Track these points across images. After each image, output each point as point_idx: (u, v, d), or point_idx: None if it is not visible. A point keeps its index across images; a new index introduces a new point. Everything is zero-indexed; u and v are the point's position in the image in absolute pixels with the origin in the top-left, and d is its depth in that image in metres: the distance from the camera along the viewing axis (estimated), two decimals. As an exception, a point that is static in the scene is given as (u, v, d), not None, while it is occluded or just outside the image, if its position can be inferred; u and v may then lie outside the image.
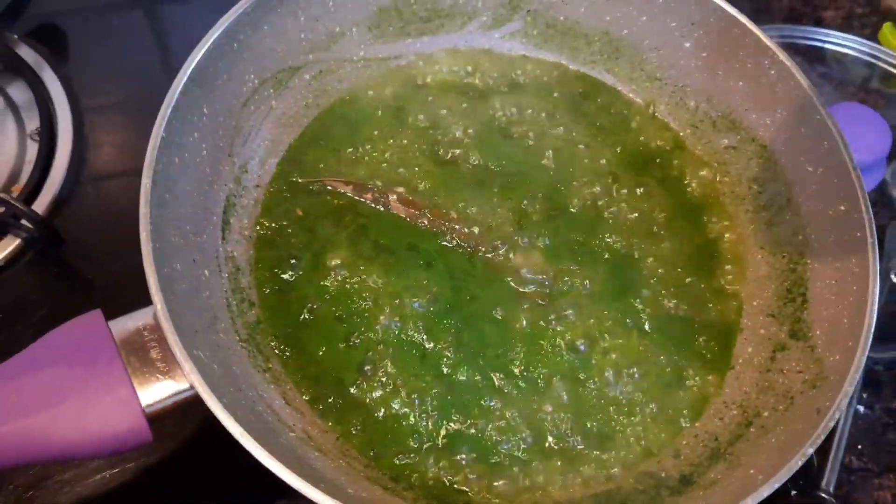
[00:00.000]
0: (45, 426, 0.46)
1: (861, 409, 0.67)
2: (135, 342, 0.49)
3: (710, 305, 0.64)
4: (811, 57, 0.85)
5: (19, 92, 0.77)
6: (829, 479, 0.63)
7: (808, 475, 0.63)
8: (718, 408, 0.60)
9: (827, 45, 0.86)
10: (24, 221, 0.68)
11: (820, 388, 0.55)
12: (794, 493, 0.63)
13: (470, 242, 0.64)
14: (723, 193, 0.69)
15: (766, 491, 0.48)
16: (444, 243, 0.64)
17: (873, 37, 0.85)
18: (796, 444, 0.51)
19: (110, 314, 0.51)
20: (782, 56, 0.64)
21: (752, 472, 0.52)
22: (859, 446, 0.66)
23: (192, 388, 0.47)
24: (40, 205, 0.70)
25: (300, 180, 0.66)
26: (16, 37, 0.79)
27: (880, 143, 0.73)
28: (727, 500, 0.49)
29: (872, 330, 0.54)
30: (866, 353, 0.53)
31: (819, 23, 0.88)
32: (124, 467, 0.60)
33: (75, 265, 0.70)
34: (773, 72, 0.65)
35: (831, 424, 0.51)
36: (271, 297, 0.61)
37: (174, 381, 0.49)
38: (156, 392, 0.48)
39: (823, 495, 0.62)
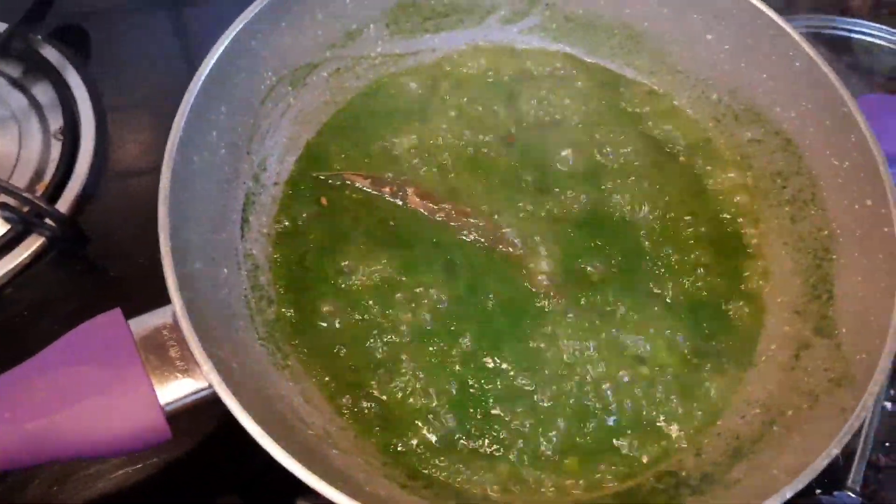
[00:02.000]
0: (64, 424, 0.46)
1: (888, 405, 0.66)
2: (154, 341, 0.49)
3: (733, 302, 0.64)
4: (838, 47, 0.84)
5: (43, 92, 0.77)
6: (855, 478, 0.62)
7: (835, 473, 0.63)
8: (740, 406, 0.60)
9: (854, 35, 0.85)
10: (47, 220, 0.69)
11: (845, 387, 0.54)
12: (818, 491, 0.62)
13: (488, 237, 0.64)
14: (746, 188, 0.68)
15: (789, 491, 0.48)
16: (463, 237, 0.64)
17: (903, 26, 0.83)
18: (821, 444, 0.50)
19: (133, 311, 0.52)
20: (807, 47, 0.63)
21: (775, 472, 0.52)
22: (886, 444, 0.65)
23: (210, 386, 0.48)
24: (64, 203, 0.71)
25: (319, 175, 0.66)
26: (39, 38, 0.80)
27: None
28: (750, 500, 0.49)
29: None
30: (894, 351, 0.52)
31: (846, 12, 0.87)
32: (146, 463, 0.61)
33: (98, 263, 0.71)
34: (798, 63, 0.64)
35: (857, 424, 0.50)
36: (290, 295, 0.61)
37: (193, 379, 0.49)
38: (175, 391, 0.49)
39: (850, 493, 0.62)
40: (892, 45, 0.83)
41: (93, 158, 0.74)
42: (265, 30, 0.62)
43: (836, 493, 0.62)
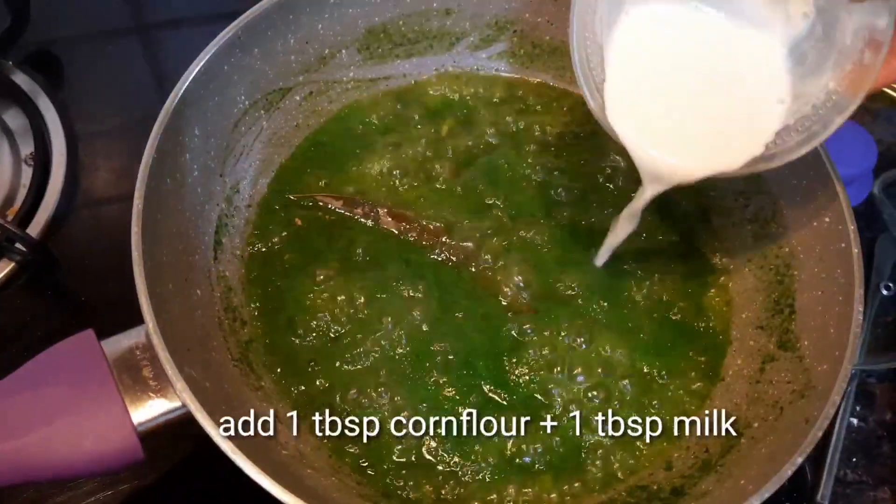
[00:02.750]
0: (37, 445, 0.46)
1: (855, 421, 0.67)
2: (127, 361, 0.50)
3: (700, 319, 0.65)
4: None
5: (14, 118, 0.78)
6: (823, 492, 0.63)
7: (803, 488, 0.64)
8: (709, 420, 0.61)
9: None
10: (18, 245, 0.69)
11: (808, 398, 0.55)
12: (786, 504, 0.63)
13: (459, 256, 0.65)
14: (710, 207, 0.70)
15: (756, 500, 0.48)
16: (434, 257, 0.65)
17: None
18: (786, 454, 0.50)
19: (105, 334, 0.52)
20: (765, 71, 0.65)
21: (742, 482, 0.52)
22: (854, 459, 0.66)
23: (183, 406, 0.48)
24: (34, 228, 0.71)
25: (292, 197, 0.67)
26: (11, 64, 0.81)
27: (865, 156, 0.74)
28: (718, 510, 0.50)
29: (858, 339, 0.54)
30: (853, 362, 0.53)
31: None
32: (118, 489, 0.61)
33: (70, 287, 0.71)
34: (755, 88, 0.66)
35: (820, 434, 0.51)
36: (263, 316, 0.62)
37: (166, 399, 0.49)
38: (148, 410, 0.49)
39: (818, 509, 0.63)
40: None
41: (64, 183, 0.74)
42: (238, 55, 0.63)
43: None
